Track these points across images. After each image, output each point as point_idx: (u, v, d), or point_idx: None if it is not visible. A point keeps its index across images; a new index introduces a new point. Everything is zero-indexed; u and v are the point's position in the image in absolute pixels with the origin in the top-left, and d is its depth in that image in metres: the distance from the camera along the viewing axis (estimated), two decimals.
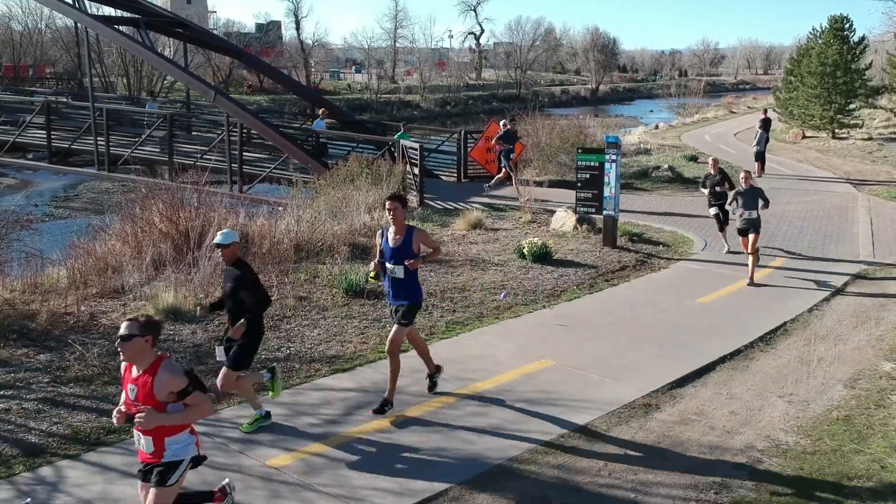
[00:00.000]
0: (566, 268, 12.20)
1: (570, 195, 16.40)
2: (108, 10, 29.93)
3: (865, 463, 6.24)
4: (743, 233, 12.02)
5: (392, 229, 6.88)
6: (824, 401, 7.49)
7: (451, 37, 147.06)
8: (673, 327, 9.59)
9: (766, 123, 24.16)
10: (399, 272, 6.75)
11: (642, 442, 6.60)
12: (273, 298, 10.02)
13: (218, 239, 6.42)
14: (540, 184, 19.97)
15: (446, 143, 23.04)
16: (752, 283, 11.47)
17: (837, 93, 32.43)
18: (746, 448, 6.51)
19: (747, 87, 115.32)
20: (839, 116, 33.02)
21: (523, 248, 12.61)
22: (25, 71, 59.05)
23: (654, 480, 5.95)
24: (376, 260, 6.93)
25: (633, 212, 16.59)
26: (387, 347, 7.03)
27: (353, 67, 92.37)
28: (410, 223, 15.50)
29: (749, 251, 11.75)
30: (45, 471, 5.94)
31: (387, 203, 6.89)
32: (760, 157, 23.39)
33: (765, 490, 5.83)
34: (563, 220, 15.03)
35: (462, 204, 17.41)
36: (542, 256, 12.38)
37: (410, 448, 6.39)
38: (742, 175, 12.32)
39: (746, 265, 12.55)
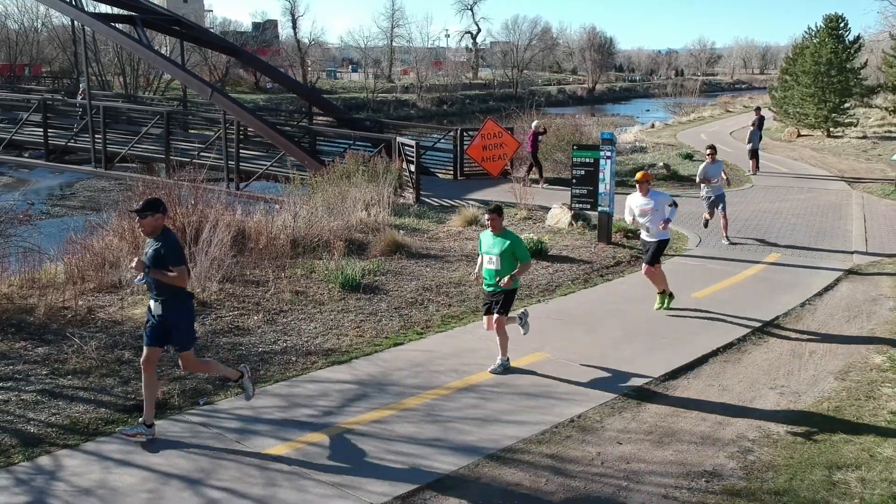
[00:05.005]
0: (561, 263, 12.28)
1: (565, 193, 16.49)
2: (104, 8, 30.02)
3: (855, 452, 6.33)
4: None
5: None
6: (815, 392, 7.58)
7: (447, 36, 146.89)
8: (667, 321, 9.67)
9: (759, 122, 24.27)
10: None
11: (635, 432, 6.68)
12: (270, 293, 10.15)
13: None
14: (535, 181, 20.06)
15: (442, 140, 23.09)
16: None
17: (832, 91, 32.58)
18: (738, 438, 6.60)
19: (743, 86, 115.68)
20: (834, 115, 33.16)
21: None
22: (21, 70, 58.98)
23: (645, 470, 6.03)
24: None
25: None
26: None
27: (350, 66, 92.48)
28: (407, 220, 15.56)
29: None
30: (44, 460, 5.99)
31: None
32: (755, 154, 23.51)
33: (756, 479, 5.91)
34: (559, 216, 15.11)
35: (458, 201, 17.49)
36: (538, 252, 12.44)
37: (406, 438, 6.46)
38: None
39: (741, 261, 12.74)
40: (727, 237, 14.00)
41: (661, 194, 10.03)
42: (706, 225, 14.65)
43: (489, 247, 7.87)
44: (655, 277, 10.00)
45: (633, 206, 10.00)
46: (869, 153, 28.81)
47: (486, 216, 7.93)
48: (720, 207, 14.04)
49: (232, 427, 6.59)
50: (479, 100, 75.10)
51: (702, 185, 14.21)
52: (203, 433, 6.47)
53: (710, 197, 14.11)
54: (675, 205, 9.87)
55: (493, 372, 7.87)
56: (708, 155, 14.16)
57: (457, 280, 11.18)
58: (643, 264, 10.06)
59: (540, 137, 20.10)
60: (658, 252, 9.94)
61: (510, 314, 8.12)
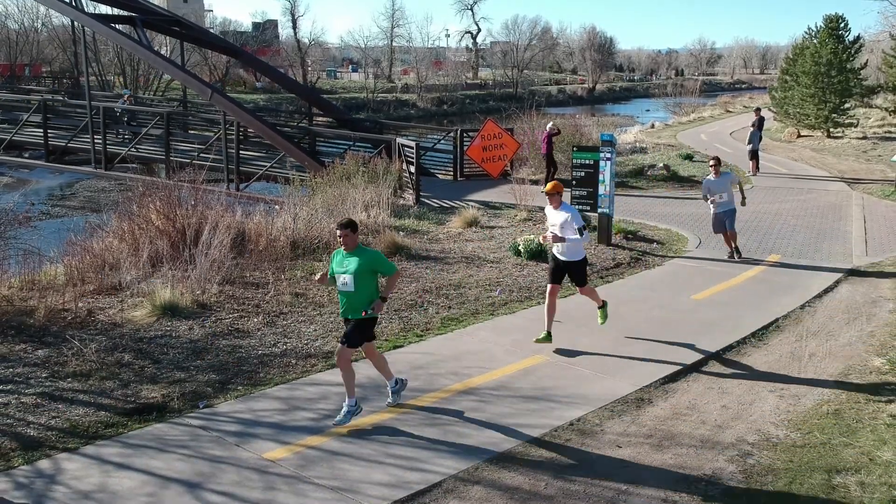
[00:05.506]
0: None
1: (565, 194, 16.47)
2: (104, 9, 30.00)
3: (854, 456, 6.33)
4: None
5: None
6: (815, 395, 7.58)
7: (447, 36, 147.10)
8: (666, 323, 9.67)
9: (759, 122, 24.28)
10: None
11: (634, 435, 6.68)
12: (270, 295, 10.16)
13: None
14: (535, 182, 20.06)
15: (443, 141, 23.10)
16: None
17: (832, 92, 32.58)
18: (737, 441, 6.60)
19: (744, 86, 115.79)
20: (834, 116, 33.17)
21: (518, 245, 12.68)
22: (21, 70, 58.98)
23: (645, 473, 6.03)
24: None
25: (629, 210, 16.69)
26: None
27: (350, 66, 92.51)
28: (406, 221, 15.56)
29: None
30: (44, 464, 5.99)
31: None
32: (755, 155, 23.52)
33: (755, 482, 5.91)
34: None
35: (458, 202, 17.50)
36: (537, 254, 12.45)
37: (405, 441, 6.46)
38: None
39: (741, 262, 12.74)
40: (736, 250, 12.76)
41: (572, 211, 8.69)
42: (732, 255, 12.83)
43: (341, 265, 6.68)
44: (592, 295, 9.15)
45: (548, 220, 9.01)
46: (869, 154, 28.82)
47: (338, 231, 6.69)
48: (727, 224, 12.57)
49: (231, 430, 6.59)
50: (479, 100, 75.13)
51: (709, 203, 12.75)
52: (203, 436, 6.48)
53: (717, 213, 12.66)
54: (580, 232, 8.62)
55: (338, 423, 6.63)
56: (711, 167, 12.69)
57: (456, 282, 11.19)
58: (577, 287, 9.06)
59: (553, 139, 20.04)
60: (584, 272, 8.97)
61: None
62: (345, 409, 6.67)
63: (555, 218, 8.75)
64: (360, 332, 6.72)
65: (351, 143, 21.54)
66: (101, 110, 23.52)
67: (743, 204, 13.18)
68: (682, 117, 50.72)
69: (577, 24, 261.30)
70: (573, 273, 8.88)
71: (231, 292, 10.21)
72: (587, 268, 9.19)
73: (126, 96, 29.25)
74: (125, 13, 26.20)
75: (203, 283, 10.13)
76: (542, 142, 19.94)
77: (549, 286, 8.88)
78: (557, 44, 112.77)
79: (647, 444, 6.53)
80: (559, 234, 8.59)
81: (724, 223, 12.67)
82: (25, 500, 5.47)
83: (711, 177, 12.70)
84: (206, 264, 10.41)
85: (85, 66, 27.27)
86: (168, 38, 48.01)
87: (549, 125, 20.45)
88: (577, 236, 8.65)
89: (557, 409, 7.14)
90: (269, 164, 21.28)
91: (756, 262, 12.71)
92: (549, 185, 8.81)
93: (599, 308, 9.17)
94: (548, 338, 8.73)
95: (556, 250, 8.84)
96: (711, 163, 12.79)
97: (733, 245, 12.83)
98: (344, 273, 6.62)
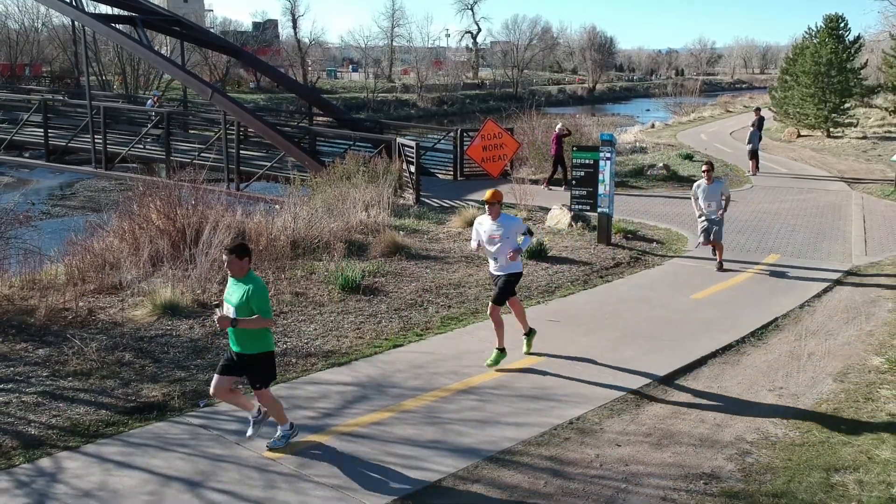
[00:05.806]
0: (561, 264, 12.30)
1: (565, 194, 16.51)
2: (105, 9, 30.03)
3: (853, 454, 6.35)
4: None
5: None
6: (814, 394, 7.60)
7: (448, 36, 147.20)
8: (666, 322, 9.69)
9: (759, 122, 24.31)
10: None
11: (634, 434, 6.70)
12: (270, 294, 10.16)
13: None
14: (535, 182, 20.10)
15: (442, 141, 23.11)
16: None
17: (831, 92, 32.61)
18: (736, 440, 6.61)
19: (744, 86, 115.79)
20: (833, 115, 33.20)
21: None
22: (22, 70, 59.04)
23: (644, 472, 6.05)
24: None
25: (628, 209, 16.70)
26: None
27: (350, 66, 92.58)
28: (406, 221, 15.56)
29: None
30: (45, 462, 6.01)
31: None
32: (754, 155, 23.55)
33: (754, 481, 5.92)
34: (558, 217, 15.13)
35: (458, 202, 17.52)
36: (537, 253, 12.48)
37: (405, 440, 6.48)
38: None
39: (740, 262, 12.74)
40: (719, 264, 12.19)
41: (513, 219, 8.20)
42: (698, 246, 12.61)
43: (228, 293, 6.07)
44: (499, 319, 8.17)
45: (480, 230, 8.18)
46: (869, 153, 28.84)
47: (224, 257, 6.04)
48: (714, 233, 12.07)
49: (232, 429, 6.61)
50: (479, 100, 75.15)
51: (695, 208, 12.34)
52: (203, 435, 6.49)
53: (702, 219, 12.18)
54: (529, 233, 8.31)
55: (272, 448, 6.23)
56: (704, 172, 12.13)
57: (456, 281, 11.21)
58: (490, 303, 8.30)
59: (563, 140, 20.02)
60: (507, 289, 8.13)
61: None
62: (279, 432, 6.31)
63: (493, 230, 8.06)
64: (270, 369, 6.20)
65: (351, 142, 21.56)
66: (101, 110, 23.53)
67: (722, 214, 12.18)
68: (682, 117, 50.72)
69: (577, 23, 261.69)
70: (499, 285, 8.15)
71: None
72: (515, 287, 8.29)
73: (155, 97, 29.25)
74: (125, 13, 26.22)
75: (203, 283, 10.15)
76: (552, 142, 19.94)
77: (490, 306, 8.28)
78: (557, 44, 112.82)
79: (646, 442, 6.55)
80: (514, 251, 8.00)
81: (709, 233, 12.11)
82: (27, 498, 5.49)
83: (704, 182, 12.11)
84: (207, 264, 10.43)
85: (85, 66, 27.29)
86: (168, 37, 48.09)
87: (559, 126, 20.46)
88: (528, 239, 8.24)
89: (557, 408, 7.16)
90: (269, 164, 21.30)
91: (755, 262, 12.72)
92: (489, 193, 8.09)
93: (525, 335, 8.55)
94: (530, 339, 8.54)
95: (493, 266, 8.27)
96: (704, 168, 12.22)
97: (719, 258, 12.27)
98: (227, 303, 6.04)
